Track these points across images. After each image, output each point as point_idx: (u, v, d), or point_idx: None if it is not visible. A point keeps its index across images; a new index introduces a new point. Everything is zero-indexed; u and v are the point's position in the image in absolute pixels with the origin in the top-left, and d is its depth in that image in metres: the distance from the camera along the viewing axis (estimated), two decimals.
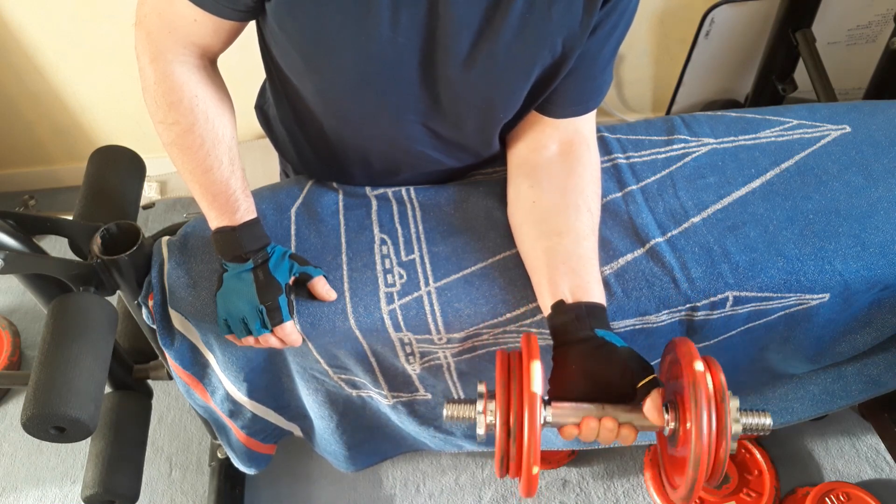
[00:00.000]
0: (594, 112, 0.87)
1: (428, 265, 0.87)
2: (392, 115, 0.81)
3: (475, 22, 0.70)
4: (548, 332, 0.79)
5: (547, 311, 0.77)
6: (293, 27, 0.71)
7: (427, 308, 0.84)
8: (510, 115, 0.84)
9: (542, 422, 0.66)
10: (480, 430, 0.68)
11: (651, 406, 0.67)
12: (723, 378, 0.65)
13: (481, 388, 0.70)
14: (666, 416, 0.67)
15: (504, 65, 0.74)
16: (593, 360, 0.71)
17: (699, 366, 0.63)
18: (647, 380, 0.68)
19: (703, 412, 0.61)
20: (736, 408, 0.65)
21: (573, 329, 0.74)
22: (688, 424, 0.63)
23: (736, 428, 0.64)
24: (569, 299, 0.76)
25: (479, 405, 0.68)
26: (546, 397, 0.70)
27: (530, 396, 0.64)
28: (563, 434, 0.69)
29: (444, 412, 0.71)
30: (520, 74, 0.77)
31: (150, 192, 2.12)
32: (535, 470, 0.65)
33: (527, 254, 0.84)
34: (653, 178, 0.96)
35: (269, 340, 0.82)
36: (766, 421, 0.67)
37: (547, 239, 0.81)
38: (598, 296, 0.77)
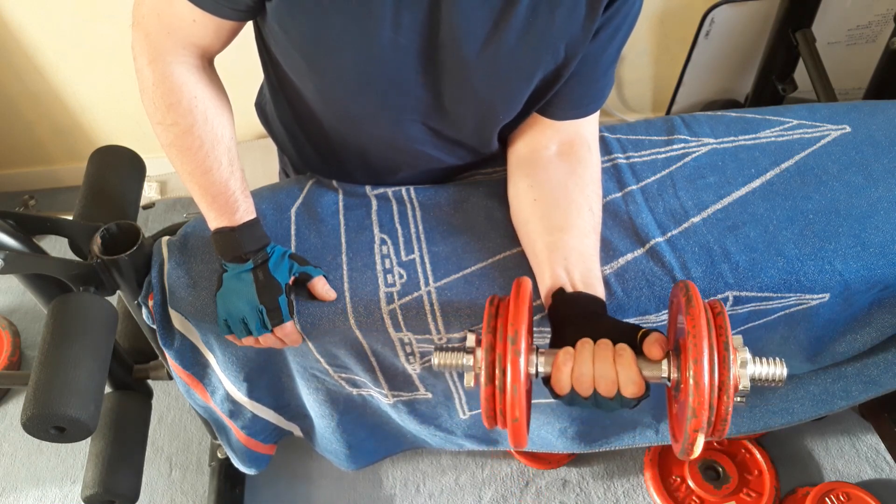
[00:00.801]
0: (596, 114, 0.87)
1: (428, 265, 0.87)
2: (393, 115, 0.81)
3: (479, 26, 0.70)
4: (548, 330, 0.79)
5: (547, 302, 0.77)
6: (294, 27, 0.71)
7: (427, 308, 0.84)
8: (510, 118, 0.84)
9: (532, 370, 0.63)
10: (470, 381, 0.66)
11: (650, 340, 0.63)
12: (727, 318, 0.60)
13: (471, 335, 0.67)
14: (668, 365, 0.63)
15: (506, 68, 0.74)
16: (590, 329, 0.69)
17: (698, 303, 0.59)
18: (645, 329, 0.66)
19: (702, 354, 0.57)
20: (742, 353, 0.60)
21: (571, 312, 0.73)
22: (687, 372, 0.58)
23: (743, 376, 0.59)
24: (569, 289, 0.76)
25: (469, 346, 0.65)
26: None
27: (514, 331, 0.61)
28: (557, 374, 0.65)
29: (434, 360, 0.67)
30: (522, 78, 0.77)
31: (150, 192, 2.12)
32: (524, 436, 0.62)
33: (529, 249, 0.84)
34: (653, 178, 0.96)
35: (269, 340, 0.82)
36: (780, 370, 0.62)
37: (549, 234, 0.81)
38: (598, 291, 0.77)
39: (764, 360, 0.63)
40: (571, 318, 0.72)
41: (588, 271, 0.78)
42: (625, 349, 0.64)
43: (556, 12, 0.70)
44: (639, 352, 0.65)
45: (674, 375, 0.63)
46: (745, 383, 0.60)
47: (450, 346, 0.68)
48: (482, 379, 0.64)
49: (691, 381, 0.57)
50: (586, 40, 0.74)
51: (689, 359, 0.58)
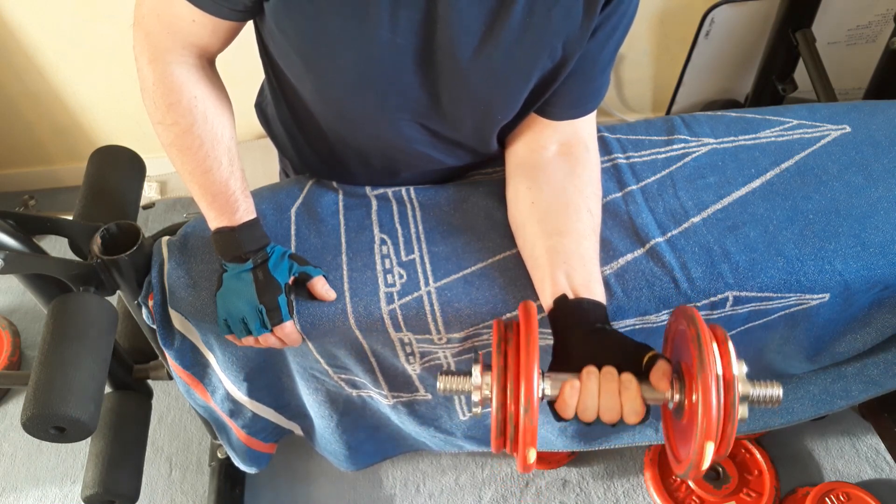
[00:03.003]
0: (594, 114, 0.87)
1: (428, 265, 0.87)
2: (391, 116, 0.81)
3: (476, 25, 0.70)
4: (548, 331, 0.79)
5: (548, 307, 0.77)
6: (292, 28, 0.71)
7: (427, 308, 0.84)
8: (509, 118, 0.84)
9: (539, 395, 0.62)
10: (476, 399, 0.65)
11: (658, 371, 0.64)
12: (731, 346, 0.61)
13: (477, 358, 0.66)
14: (670, 388, 0.63)
15: (504, 68, 0.74)
16: (595, 344, 0.69)
17: (705, 335, 0.60)
18: (652, 353, 0.66)
19: (710, 386, 0.57)
20: (744, 379, 0.61)
21: (574, 322, 0.73)
22: (693, 397, 0.59)
23: (743, 404, 0.60)
24: (570, 295, 0.76)
25: (475, 373, 0.65)
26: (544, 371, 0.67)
27: (528, 367, 0.61)
28: (562, 404, 0.65)
29: (438, 384, 0.67)
30: (519, 78, 0.77)
31: (150, 192, 2.12)
32: (532, 455, 0.61)
33: (528, 253, 0.84)
34: (653, 178, 0.96)
35: (269, 340, 0.82)
36: (776, 392, 0.63)
37: (548, 238, 0.81)
38: (599, 295, 0.77)
39: (761, 382, 0.64)
40: (575, 330, 0.72)
41: (588, 274, 0.78)
42: (631, 382, 0.64)
43: (552, 11, 0.70)
44: (643, 373, 0.65)
45: (676, 398, 0.63)
46: (743, 414, 0.60)
47: (455, 370, 0.67)
48: (493, 410, 0.63)
49: (700, 417, 0.58)
50: (584, 39, 0.74)
51: (697, 390, 0.58)
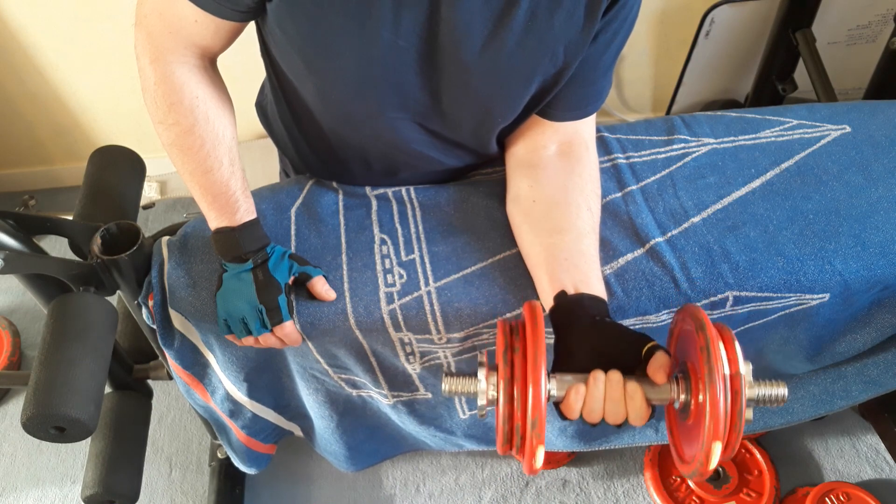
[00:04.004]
0: (594, 114, 0.87)
1: (428, 265, 0.87)
2: (392, 116, 0.81)
3: (479, 28, 0.70)
4: (549, 330, 0.79)
5: (549, 305, 0.77)
6: (294, 29, 0.71)
7: (427, 308, 0.84)
8: (509, 121, 0.84)
9: (546, 395, 0.62)
10: (482, 402, 0.65)
11: (655, 364, 0.64)
12: (738, 346, 0.61)
13: (481, 358, 0.66)
14: (676, 387, 0.63)
15: (505, 71, 0.74)
16: (595, 336, 0.69)
17: (713, 336, 0.59)
18: (651, 344, 0.66)
19: (717, 388, 0.57)
20: (750, 378, 0.61)
21: (574, 317, 0.73)
22: (700, 397, 0.59)
23: (751, 398, 0.60)
24: (570, 291, 0.76)
25: (481, 377, 0.65)
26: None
27: (535, 368, 0.61)
28: (567, 408, 0.65)
29: (443, 386, 0.66)
30: (521, 81, 0.77)
31: (150, 192, 2.12)
32: (540, 454, 0.61)
33: (528, 251, 0.84)
34: (653, 178, 0.96)
35: (269, 340, 0.82)
36: (781, 391, 0.63)
37: (548, 236, 0.81)
38: (599, 292, 0.77)
39: (766, 382, 0.63)
40: (575, 323, 0.72)
41: (589, 271, 0.78)
42: (636, 392, 0.64)
43: (555, 16, 0.70)
44: (642, 363, 0.65)
45: (681, 398, 0.63)
46: (748, 416, 0.60)
47: (460, 372, 0.67)
48: (500, 415, 0.63)
49: (707, 419, 0.58)
50: (585, 44, 0.74)
51: (704, 392, 0.58)
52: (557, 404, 0.67)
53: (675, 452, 0.69)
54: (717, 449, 0.58)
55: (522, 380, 0.62)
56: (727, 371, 0.59)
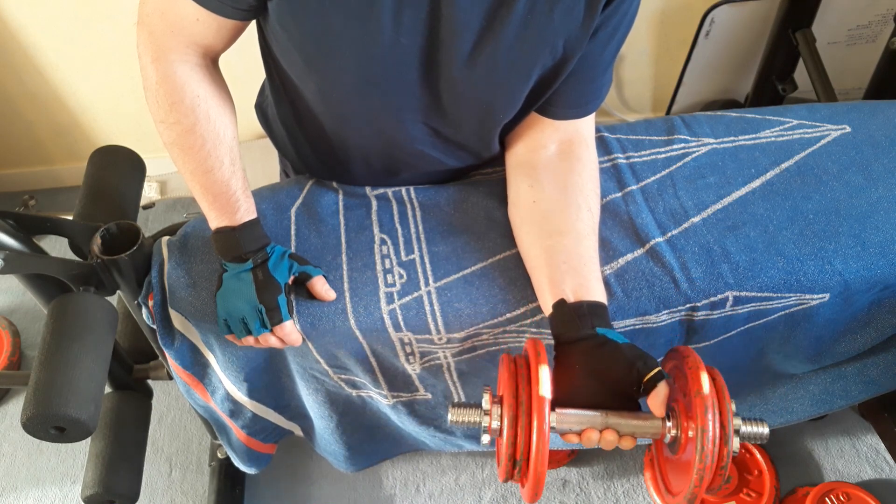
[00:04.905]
0: (594, 113, 0.87)
1: (428, 265, 0.87)
2: (393, 115, 0.81)
3: (477, 23, 0.70)
4: (548, 331, 0.78)
5: (548, 310, 0.77)
6: (295, 27, 0.71)
7: (427, 308, 0.84)
8: (509, 117, 0.84)
9: (548, 435, 0.66)
10: (485, 439, 0.68)
11: (657, 399, 0.67)
12: (726, 391, 0.65)
13: (486, 395, 0.69)
14: (668, 423, 0.67)
15: (505, 66, 0.74)
16: (597, 359, 0.71)
17: (706, 380, 0.63)
18: (653, 373, 0.68)
19: (709, 428, 0.61)
20: (736, 418, 0.65)
21: (575, 327, 0.73)
22: (690, 433, 0.63)
23: (736, 440, 0.64)
24: (570, 298, 0.76)
25: (486, 407, 0.68)
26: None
27: (539, 402, 0.64)
28: (565, 439, 0.70)
29: (449, 416, 0.70)
30: (520, 76, 0.77)
31: (150, 192, 2.12)
32: (542, 484, 0.65)
33: (527, 253, 0.84)
34: (653, 178, 0.96)
35: (269, 340, 0.82)
36: (763, 430, 0.67)
37: (548, 238, 0.81)
38: (599, 295, 0.77)
39: (750, 422, 0.67)
40: (576, 343, 0.73)
41: (589, 273, 0.78)
42: (628, 441, 0.68)
43: (554, 10, 0.70)
44: (643, 392, 0.68)
45: (672, 433, 0.67)
46: (735, 448, 0.64)
47: (466, 403, 0.70)
48: (504, 439, 0.66)
49: (697, 456, 0.61)
50: (585, 39, 0.74)
51: (697, 430, 0.62)
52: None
53: (660, 482, 0.73)
54: (703, 485, 0.62)
55: (527, 416, 0.65)
56: (717, 426, 0.62)
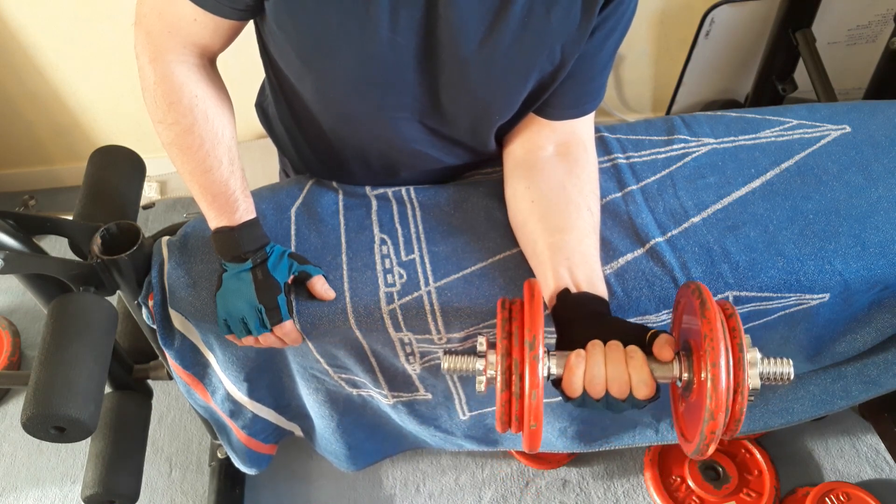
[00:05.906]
0: (592, 114, 0.87)
1: (428, 265, 0.87)
2: (390, 115, 0.81)
3: (475, 24, 0.70)
4: (550, 329, 0.78)
5: (551, 303, 0.77)
6: (292, 27, 0.71)
7: (427, 308, 0.84)
8: (506, 118, 0.84)
9: (545, 373, 0.63)
10: (480, 385, 0.65)
11: (660, 342, 0.64)
12: (739, 320, 0.61)
13: (482, 339, 0.67)
14: (678, 366, 0.64)
15: (502, 68, 0.74)
16: (597, 328, 0.69)
17: (713, 306, 0.60)
18: (654, 331, 0.67)
19: (720, 358, 0.57)
20: (754, 354, 0.61)
21: (576, 315, 0.73)
22: (703, 374, 0.59)
23: (754, 376, 0.60)
24: (573, 289, 0.76)
25: (480, 349, 0.65)
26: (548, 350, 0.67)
27: (533, 319, 0.61)
28: (569, 379, 0.65)
29: (443, 364, 0.67)
30: (518, 78, 0.77)
31: (150, 192, 2.12)
32: (540, 423, 0.61)
33: (530, 250, 0.84)
34: (653, 178, 0.96)
35: (269, 340, 0.82)
36: (787, 369, 0.63)
37: (550, 235, 0.81)
38: (601, 291, 0.77)
39: (772, 359, 0.64)
40: (578, 318, 0.72)
41: (591, 271, 0.78)
42: (636, 351, 0.64)
43: (551, 12, 0.70)
44: (647, 352, 0.65)
45: (685, 376, 0.64)
46: (755, 383, 0.61)
47: (458, 349, 0.68)
48: (498, 384, 0.63)
49: (709, 385, 0.58)
50: (582, 40, 0.74)
51: (706, 362, 0.58)
52: (558, 384, 0.67)
53: (679, 434, 0.69)
54: (721, 419, 0.58)
55: (520, 344, 0.62)
56: (728, 339, 0.59)
